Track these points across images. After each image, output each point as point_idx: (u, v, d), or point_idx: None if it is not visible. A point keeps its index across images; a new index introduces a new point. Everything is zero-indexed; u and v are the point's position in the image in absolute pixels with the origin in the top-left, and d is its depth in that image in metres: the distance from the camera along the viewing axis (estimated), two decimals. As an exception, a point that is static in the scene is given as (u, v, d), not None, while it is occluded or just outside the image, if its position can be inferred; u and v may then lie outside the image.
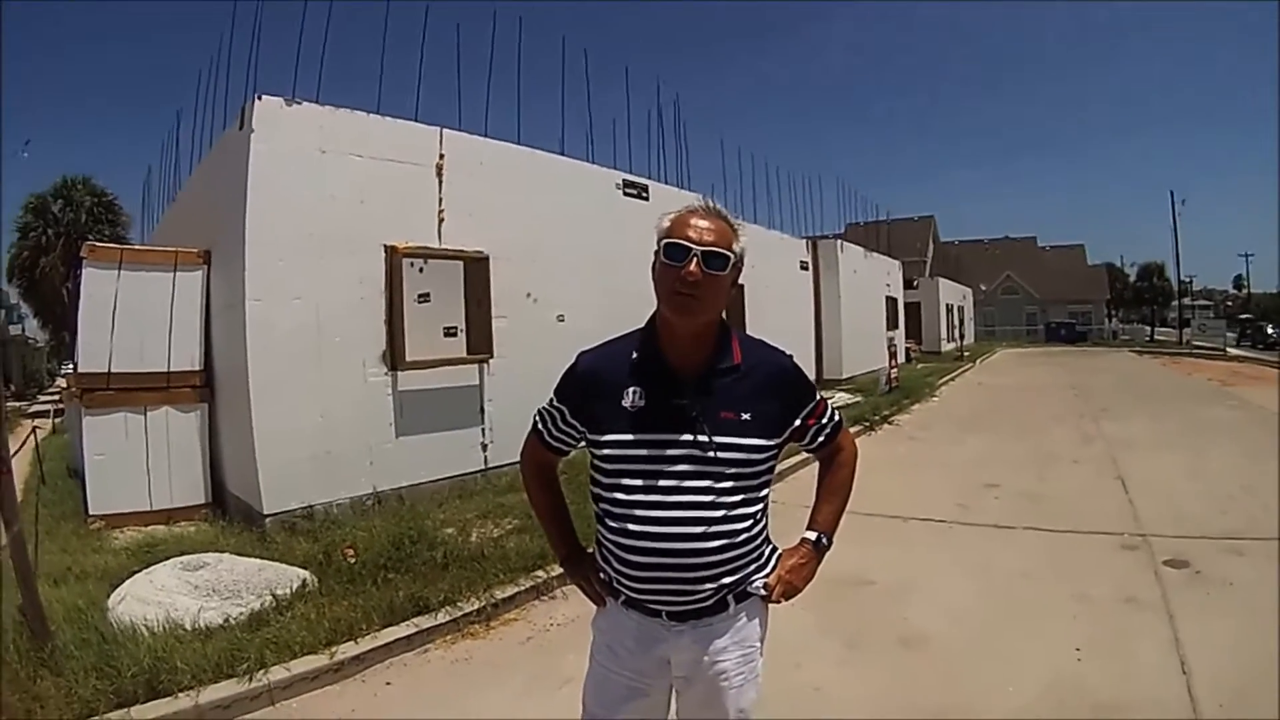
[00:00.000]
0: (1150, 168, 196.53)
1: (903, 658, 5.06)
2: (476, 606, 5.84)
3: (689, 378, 2.25)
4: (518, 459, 8.43)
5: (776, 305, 18.26)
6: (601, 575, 2.43)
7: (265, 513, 7.69)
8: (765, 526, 2.39)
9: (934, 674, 4.81)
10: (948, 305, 44.38)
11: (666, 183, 14.54)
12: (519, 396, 9.85)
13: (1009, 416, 16.70)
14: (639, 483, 2.23)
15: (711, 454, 2.20)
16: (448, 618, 5.65)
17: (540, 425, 2.56)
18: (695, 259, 2.13)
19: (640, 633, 2.34)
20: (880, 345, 24.35)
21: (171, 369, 8.75)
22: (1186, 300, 65.96)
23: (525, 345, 10.14)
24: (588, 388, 2.36)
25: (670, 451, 2.21)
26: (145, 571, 5.99)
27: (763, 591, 2.36)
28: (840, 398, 17.70)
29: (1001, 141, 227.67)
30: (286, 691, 4.75)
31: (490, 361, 9.91)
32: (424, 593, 5.81)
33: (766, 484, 2.35)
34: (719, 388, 2.25)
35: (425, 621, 5.55)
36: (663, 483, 2.20)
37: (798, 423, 2.40)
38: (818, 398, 2.47)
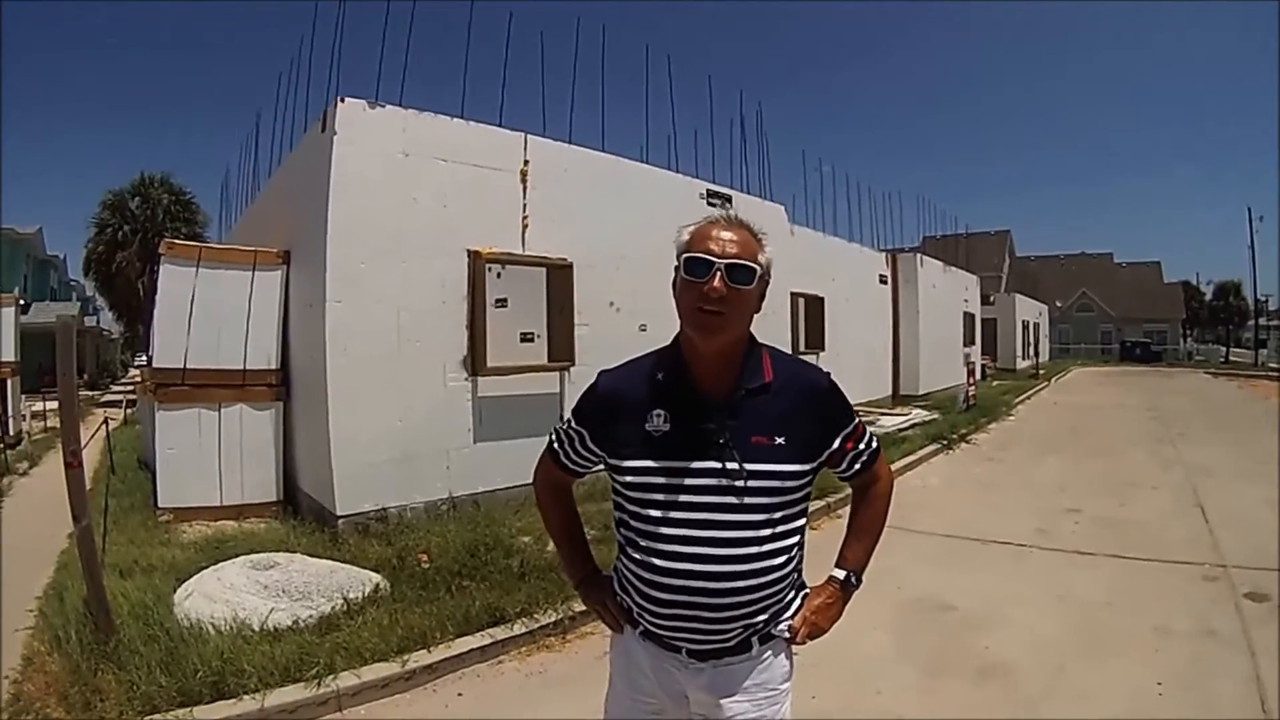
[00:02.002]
0: (1228, 183, 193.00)
1: (983, 688, 4.91)
2: (553, 619, 5.71)
3: (716, 400, 2.11)
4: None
5: (855, 319, 18.16)
6: (621, 602, 2.31)
7: (338, 514, 7.63)
8: (799, 561, 2.25)
9: (1015, 707, 4.66)
10: (1024, 322, 43.67)
11: (749, 193, 14.39)
12: None
13: (1086, 438, 16.34)
14: (663, 514, 2.10)
15: (741, 482, 2.05)
16: (524, 629, 5.53)
17: (556, 446, 2.43)
18: (719, 273, 2.00)
19: (656, 666, 2.23)
20: (957, 361, 23.99)
21: (248, 367, 8.76)
22: (1262, 320, 64.42)
23: (607, 354, 9.82)
24: (608, 410, 2.25)
25: (697, 480, 2.07)
26: (213, 568, 5.95)
27: (787, 634, 2.22)
28: (917, 414, 17.50)
29: (1080, 157, 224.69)
30: (355, 699, 4.66)
31: (571, 369, 9.79)
32: (500, 603, 5.69)
33: (801, 514, 2.20)
34: (749, 409, 2.10)
35: (500, 632, 5.44)
36: (688, 514, 2.07)
37: (835, 445, 2.23)
38: (856, 420, 2.30)
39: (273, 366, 8.98)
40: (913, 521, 8.30)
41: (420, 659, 4.98)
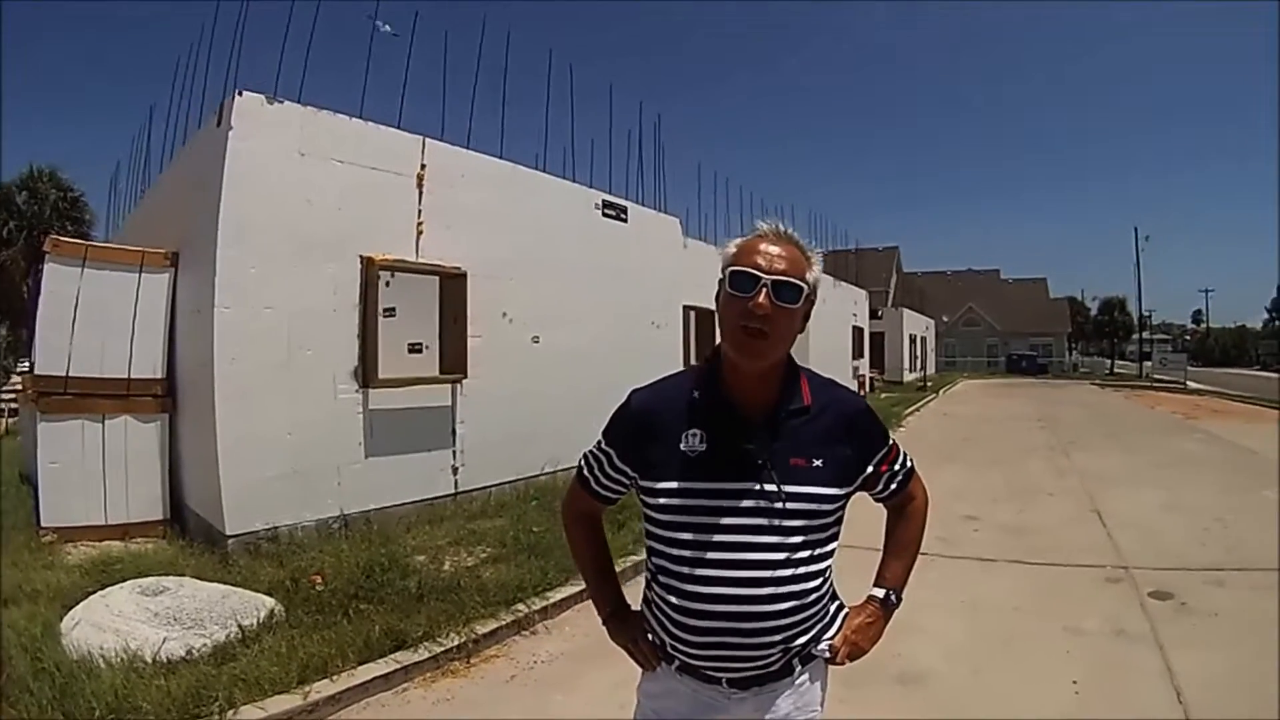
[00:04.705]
0: (1114, 205, 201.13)
1: (904, 695, 4.98)
2: (456, 642, 5.54)
3: (755, 420, 2.04)
4: (489, 483, 8.06)
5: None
6: (651, 637, 2.21)
7: (228, 533, 7.29)
8: (831, 582, 2.20)
9: (936, 711, 4.77)
10: (911, 335, 45.05)
11: (643, 203, 14.39)
12: (492, 418, 9.73)
13: (978, 448, 16.69)
14: (699, 537, 2.01)
15: (780, 505, 1.99)
16: (427, 654, 5.34)
17: (585, 471, 2.33)
18: (765, 290, 1.92)
19: (696, 700, 2.15)
20: (846, 374, 24.48)
21: (133, 376, 8.32)
22: (1145, 334, 66.92)
23: (499, 366, 9.97)
24: (640, 429, 2.14)
25: (734, 503, 2.00)
26: (100, 594, 5.61)
27: (827, 654, 2.18)
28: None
29: (969, 177, 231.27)
30: (256, 734, 4.41)
31: (464, 382, 9.63)
32: (401, 626, 5.50)
33: (835, 536, 2.14)
34: (788, 431, 2.04)
35: (404, 657, 5.24)
36: (726, 537, 1.99)
37: (870, 469, 2.19)
38: (891, 442, 2.26)
39: (158, 376, 8.55)
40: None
41: (323, 689, 4.75)
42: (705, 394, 2.10)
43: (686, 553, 2.03)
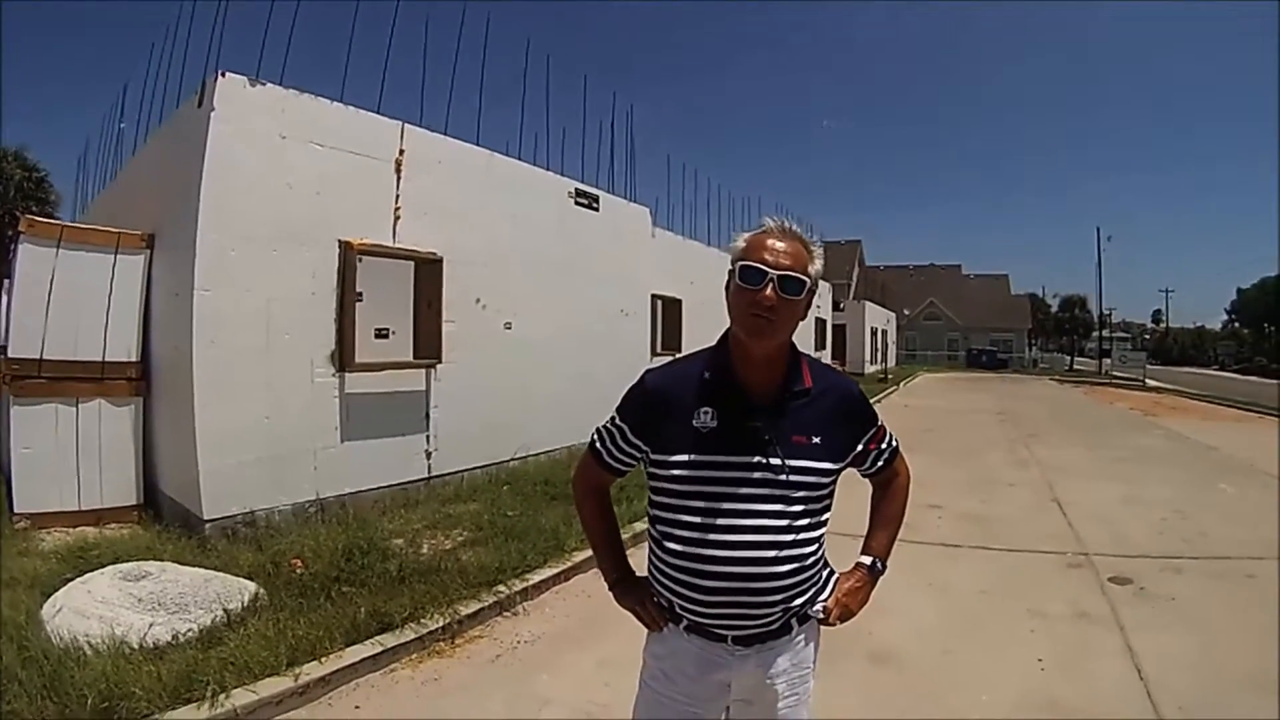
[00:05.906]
0: (1077, 205, 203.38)
1: (876, 672, 5.16)
2: (441, 623, 5.57)
3: (762, 400, 2.24)
4: (461, 468, 8.05)
5: (711, 322, 17.94)
6: (658, 600, 2.40)
7: (205, 518, 7.22)
8: (825, 549, 2.39)
9: (909, 687, 4.96)
10: (873, 328, 45.43)
11: (614, 192, 14.40)
12: (465, 403, 9.76)
13: (940, 439, 16.80)
14: (710, 505, 2.20)
15: (784, 477, 2.19)
16: (413, 635, 5.37)
17: (599, 444, 2.50)
18: (771, 284, 2.12)
19: (701, 658, 2.33)
20: (808, 365, 24.73)
21: (107, 359, 8.20)
22: (1105, 332, 67.84)
23: (472, 352, 9.98)
24: (654, 406, 2.32)
25: (742, 474, 2.19)
26: (81, 580, 5.50)
27: (821, 615, 2.39)
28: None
29: (935, 177, 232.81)
30: (252, 716, 4.41)
31: (439, 367, 9.62)
32: (385, 608, 5.51)
33: (829, 507, 2.35)
34: (790, 411, 2.25)
35: (390, 639, 5.26)
36: (734, 505, 2.19)
37: (860, 447, 2.44)
38: (879, 423, 2.51)
39: (133, 359, 8.42)
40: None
41: (312, 671, 4.75)
42: (716, 375, 2.26)
43: (699, 519, 2.21)
